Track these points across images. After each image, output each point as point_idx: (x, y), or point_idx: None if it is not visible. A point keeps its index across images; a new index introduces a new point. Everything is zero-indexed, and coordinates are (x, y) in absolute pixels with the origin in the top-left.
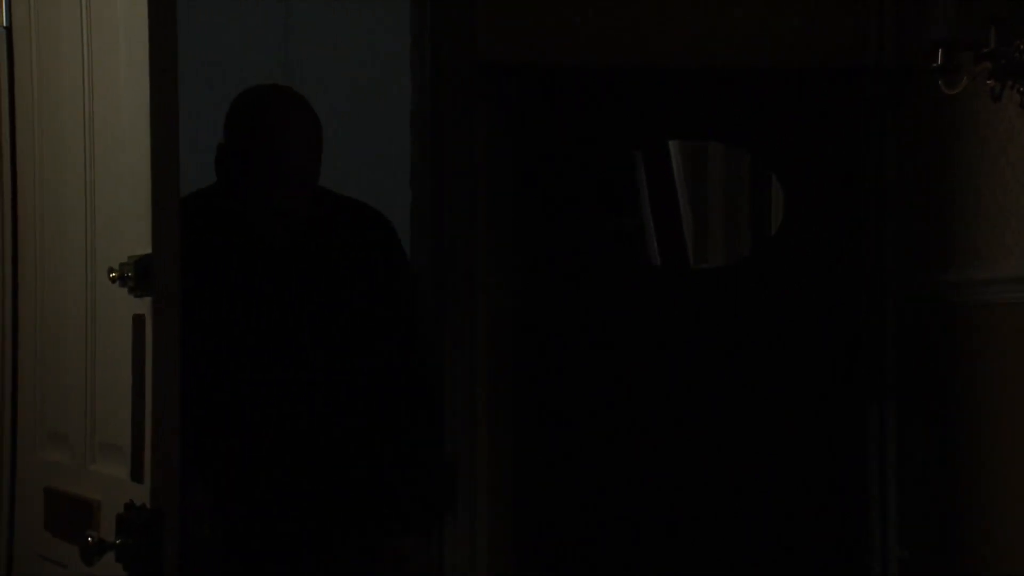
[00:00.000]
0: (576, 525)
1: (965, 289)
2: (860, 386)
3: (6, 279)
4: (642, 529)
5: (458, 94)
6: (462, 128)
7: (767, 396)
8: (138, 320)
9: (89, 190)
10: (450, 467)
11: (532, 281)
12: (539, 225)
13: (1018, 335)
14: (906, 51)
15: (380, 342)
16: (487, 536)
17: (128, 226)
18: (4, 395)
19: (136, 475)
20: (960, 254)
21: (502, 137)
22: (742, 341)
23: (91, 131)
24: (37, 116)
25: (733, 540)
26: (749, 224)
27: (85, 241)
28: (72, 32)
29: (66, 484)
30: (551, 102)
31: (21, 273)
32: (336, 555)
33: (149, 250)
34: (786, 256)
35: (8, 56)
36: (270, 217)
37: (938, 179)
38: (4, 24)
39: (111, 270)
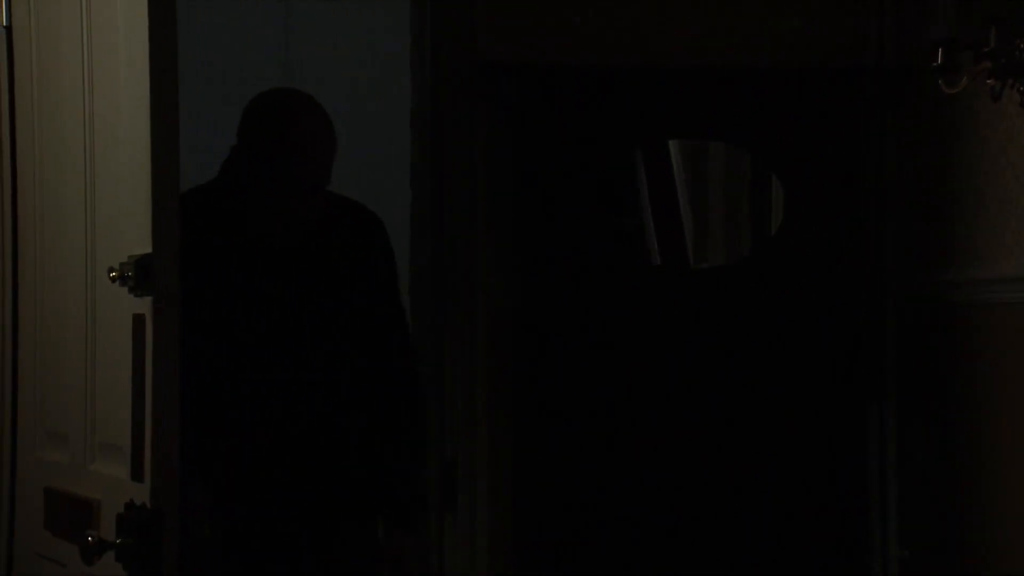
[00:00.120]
0: (576, 525)
1: (965, 289)
2: (860, 386)
3: (6, 279)
4: (642, 529)
5: (458, 94)
6: (462, 128)
7: (767, 396)
8: (138, 320)
9: (89, 189)
10: (450, 467)
11: (532, 281)
12: (539, 225)
13: (1018, 335)
14: (906, 51)
15: (375, 342)
16: (487, 536)
17: (128, 225)
18: (4, 395)
19: (136, 475)
20: (960, 254)
21: (502, 137)
22: (742, 341)
23: (91, 130)
24: (37, 116)
25: (733, 540)
26: (749, 224)
27: (85, 241)
28: (72, 32)
29: (66, 484)
30: (551, 102)
31: (21, 273)
32: (336, 555)
33: (149, 249)
34: (786, 256)
35: (8, 56)
36: (278, 219)
37: (938, 179)
38: (4, 24)
39: (111, 269)
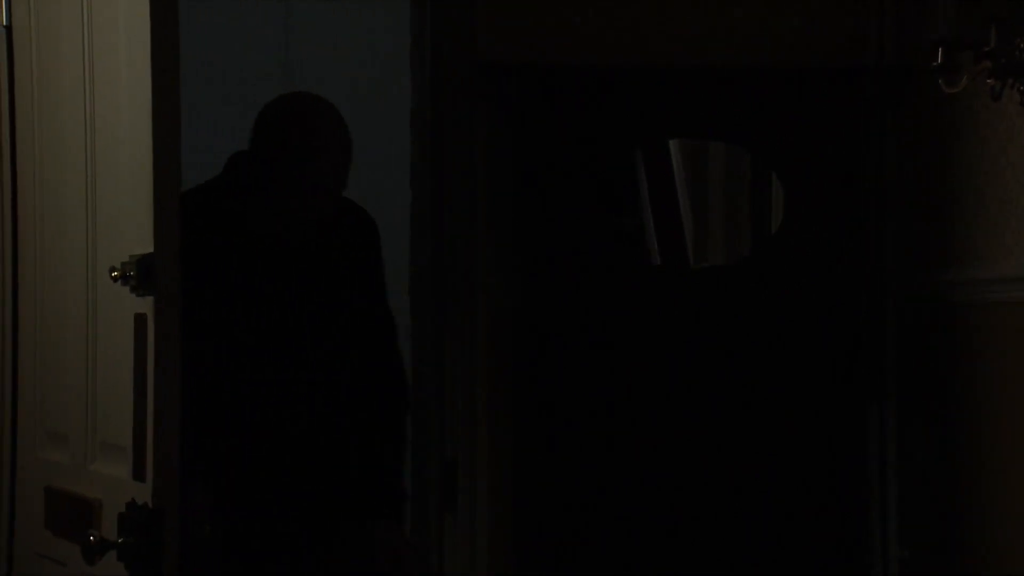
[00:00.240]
0: (576, 525)
1: (965, 289)
2: (860, 386)
3: (6, 279)
4: (642, 529)
5: (458, 94)
6: (462, 128)
7: (767, 396)
8: (140, 319)
9: (90, 189)
10: (450, 467)
11: (532, 281)
12: (539, 225)
13: (1018, 335)
14: (906, 51)
15: (366, 341)
16: (487, 536)
17: (128, 225)
18: (4, 395)
19: (138, 474)
20: (960, 254)
21: (502, 137)
22: (742, 341)
23: (92, 130)
24: (37, 116)
25: (733, 540)
26: (749, 224)
27: (86, 240)
28: (72, 31)
29: (67, 483)
30: (551, 102)
31: (21, 273)
32: (336, 554)
33: (150, 249)
34: (786, 256)
35: (8, 55)
36: (285, 220)
37: (938, 179)
38: (4, 23)
39: (113, 269)
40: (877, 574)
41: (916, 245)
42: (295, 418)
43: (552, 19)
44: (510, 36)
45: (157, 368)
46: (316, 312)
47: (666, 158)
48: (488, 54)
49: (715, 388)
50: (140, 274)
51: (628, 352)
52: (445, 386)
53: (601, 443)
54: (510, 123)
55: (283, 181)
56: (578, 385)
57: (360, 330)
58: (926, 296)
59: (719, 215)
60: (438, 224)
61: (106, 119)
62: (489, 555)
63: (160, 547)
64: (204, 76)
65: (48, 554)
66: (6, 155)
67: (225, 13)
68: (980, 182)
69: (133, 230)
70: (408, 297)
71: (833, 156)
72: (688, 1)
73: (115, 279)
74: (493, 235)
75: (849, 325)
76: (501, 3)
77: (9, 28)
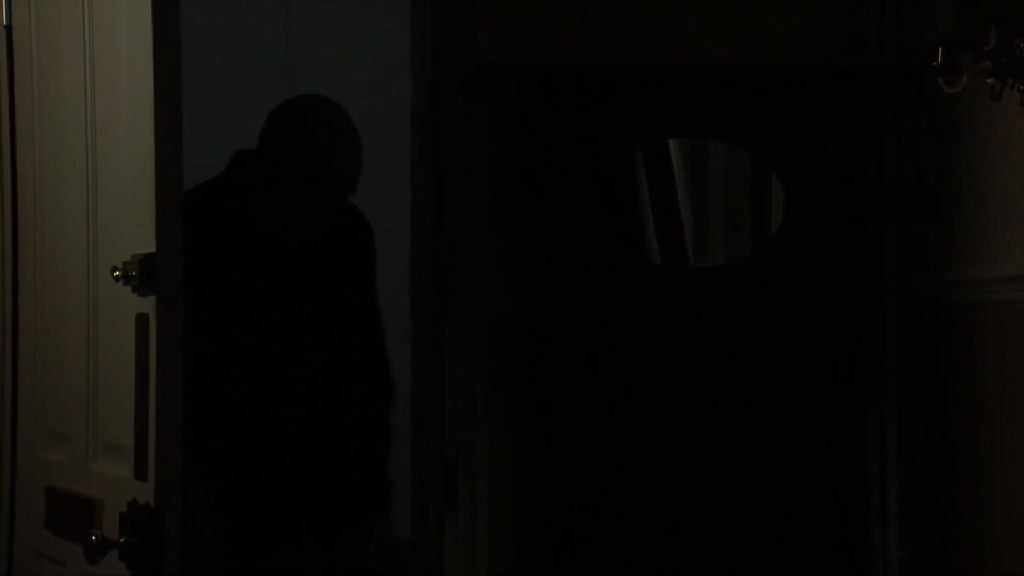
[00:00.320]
0: (576, 525)
1: (965, 289)
2: (860, 386)
3: (6, 279)
4: (642, 529)
5: (458, 94)
6: (462, 128)
7: (767, 396)
8: (142, 319)
9: (91, 189)
10: (450, 467)
11: (532, 281)
12: (539, 225)
13: (1018, 335)
14: (906, 50)
15: (364, 340)
16: (487, 536)
17: (129, 225)
18: (4, 395)
19: (140, 473)
20: (960, 254)
21: (502, 137)
22: (742, 341)
23: (92, 129)
24: (37, 116)
25: (733, 540)
26: (749, 224)
27: (87, 240)
28: (73, 31)
29: (67, 483)
30: (551, 102)
31: (21, 273)
32: (336, 553)
33: (151, 248)
34: (786, 256)
35: (8, 55)
36: (289, 221)
37: (938, 179)
38: (4, 23)
39: (115, 268)
40: (877, 574)
41: (916, 245)
42: (296, 417)
43: (552, 19)
44: (510, 36)
45: (159, 367)
46: (317, 312)
47: (666, 158)
48: (488, 54)
49: (715, 388)
50: (142, 274)
51: (628, 352)
52: (445, 386)
53: (601, 443)
54: (510, 123)
55: (295, 184)
56: (578, 385)
57: (356, 330)
58: (926, 296)
59: (719, 215)
60: (438, 224)
61: (107, 118)
62: (489, 555)
63: (162, 546)
64: (204, 76)
65: (48, 554)
66: (6, 155)
67: (225, 13)
68: (980, 182)
69: (134, 229)
70: (408, 297)
71: (833, 156)
72: (688, 1)
73: (117, 279)
74: (493, 235)
75: (849, 325)
76: (501, 3)
77: (9, 28)
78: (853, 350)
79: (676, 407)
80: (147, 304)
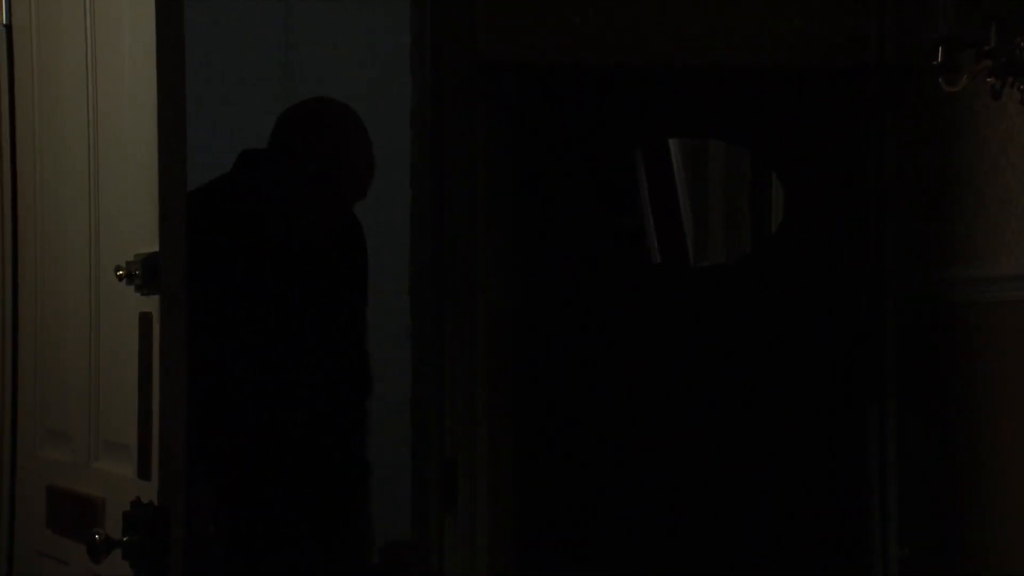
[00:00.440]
0: (576, 525)
1: (965, 288)
2: (860, 386)
3: (6, 279)
4: (642, 529)
5: (458, 94)
6: (462, 128)
7: (767, 396)
8: (144, 318)
9: (92, 188)
10: (450, 467)
11: (532, 281)
12: (539, 225)
13: (1018, 334)
14: (906, 50)
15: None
16: (487, 536)
17: (131, 224)
18: (4, 395)
19: (143, 472)
20: (960, 254)
21: (502, 137)
22: (742, 341)
23: (94, 128)
24: (37, 116)
25: (733, 540)
26: (749, 223)
27: (89, 239)
28: (73, 30)
29: (69, 482)
30: (551, 102)
31: (21, 273)
32: (338, 553)
33: (154, 248)
34: (786, 256)
35: (8, 55)
36: (294, 223)
37: (938, 179)
38: (4, 22)
39: (118, 268)
40: (877, 574)
41: (916, 245)
42: (298, 417)
43: (552, 19)
44: (510, 36)
45: (162, 366)
46: (317, 312)
47: (666, 158)
48: (488, 54)
49: (715, 388)
50: (145, 273)
51: (628, 352)
52: (445, 386)
53: (601, 443)
54: (510, 123)
55: (305, 187)
56: (578, 385)
57: (351, 328)
58: (926, 296)
59: (719, 215)
60: (438, 224)
61: (109, 117)
62: (489, 555)
63: (166, 545)
64: (204, 76)
65: (49, 553)
66: (6, 155)
67: (225, 13)
68: (980, 182)
69: (136, 229)
70: (408, 297)
71: (833, 156)
72: (688, 1)
73: (120, 278)
74: (493, 235)
75: (849, 325)
76: (501, 3)
77: (9, 27)
78: (853, 350)
79: (676, 407)
80: (150, 303)
